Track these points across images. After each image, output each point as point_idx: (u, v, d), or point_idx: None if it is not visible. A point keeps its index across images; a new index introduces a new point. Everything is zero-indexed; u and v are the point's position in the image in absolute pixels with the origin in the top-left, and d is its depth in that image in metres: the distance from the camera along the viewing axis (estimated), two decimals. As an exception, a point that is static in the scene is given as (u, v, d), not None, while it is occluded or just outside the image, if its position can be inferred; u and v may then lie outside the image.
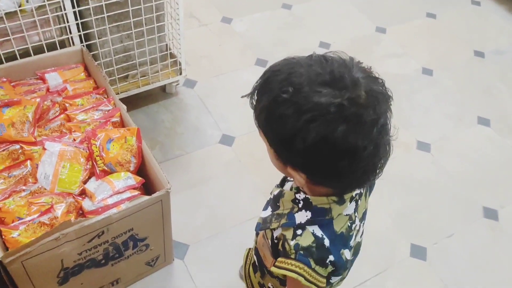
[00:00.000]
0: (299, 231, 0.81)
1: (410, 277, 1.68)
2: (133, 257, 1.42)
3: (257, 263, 1.06)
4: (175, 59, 2.05)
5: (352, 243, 0.86)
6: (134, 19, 1.74)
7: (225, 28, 2.60)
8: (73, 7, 1.60)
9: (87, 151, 1.43)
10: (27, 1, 1.50)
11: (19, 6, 1.50)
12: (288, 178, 0.95)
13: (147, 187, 1.48)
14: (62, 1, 1.56)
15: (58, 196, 1.35)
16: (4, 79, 1.57)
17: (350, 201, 0.82)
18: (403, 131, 2.16)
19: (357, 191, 0.85)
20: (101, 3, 1.62)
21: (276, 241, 0.86)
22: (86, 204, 1.36)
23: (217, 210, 1.79)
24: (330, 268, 0.80)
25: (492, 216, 1.88)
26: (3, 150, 1.40)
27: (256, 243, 1.02)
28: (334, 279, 0.86)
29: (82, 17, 1.65)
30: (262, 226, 0.91)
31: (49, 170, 1.38)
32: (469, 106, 2.33)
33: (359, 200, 0.87)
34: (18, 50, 1.59)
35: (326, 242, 0.80)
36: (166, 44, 2.02)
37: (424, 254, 1.73)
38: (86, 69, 1.70)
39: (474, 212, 1.89)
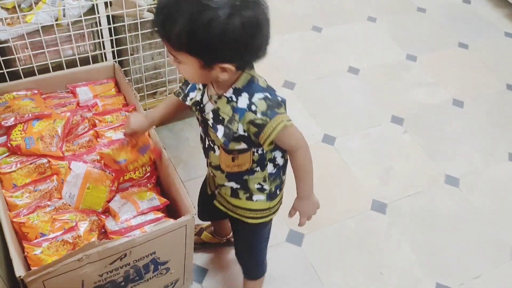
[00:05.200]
0: (253, 107, 1.00)
1: (434, 318, 1.62)
2: (152, 280, 1.39)
3: (236, 185, 1.19)
4: (203, 78, 2.04)
5: None
6: (167, 38, 1.74)
7: (254, 48, 2.59)
8: (109, 23, 1.60)
9: (113, 174, 1.41)
10: (64, 16, 1.51)
11: (56, 20, 1.51)
12: (203, 98, 1.10)
13: (169, 206, 1.45)
14: (98, 17, 1.57)
15: (82, 213, 1.33)
16: (36, 91, 1.58)
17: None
18: (431, 163, 2.11)
19: None
20: (136, 21, 1.63)
21: (246, 133, 1.04)
22: (109, 224, 1.35)
23: (238, 234, 1.75)
24: (284, 105, 1.05)
25: (521, 259, 1.81)
26: (30, 164, 1.39)
27: (224, 170, 1.16)
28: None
29: (116, 34, 1.66)
30: (228, 138, 1.05)
31: (74, 190, 1.37)
32: (500, 141, 2.27)
33: None
34: (51, 63, 1.60)
35: (268, 94, 1.02)
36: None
37: (450, 294, 1.67)
38: (116, 84, 1.71)
39: (502, 253, 1.82)
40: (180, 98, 1.16)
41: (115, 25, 1.61)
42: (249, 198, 1.21)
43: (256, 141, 1.06)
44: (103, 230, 1.37)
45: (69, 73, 1.63)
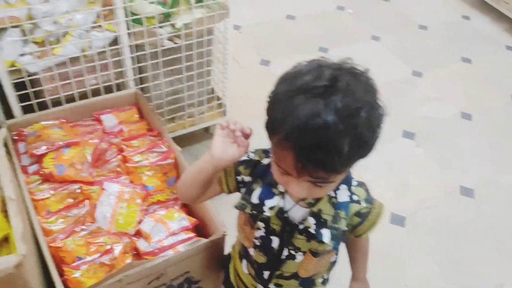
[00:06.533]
0: (354, 197, 0.93)
1: (460, 327, 1.64)
2: (185, 300, 1.42)
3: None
4: (220, 101, 2.10)
5: None
6: (186, 64, 1.80)
7: (263, 70, 2.66)
8: (131, 52, 1.67)
9: (144, 191, 1.46)
10: (90, 47, 1.57)
11: (82, 51, 1.57)
12: (290, 209, 0.94)
13: (197, 226, 1.48)
14: (122, 48, 1.63)
15: (115, 236, 1.37)
16: (63, 120, 1.63)
17: None
18: (445, 176, 2.15)
19: None
20: (156, 49, 1.69)
21: (351, 227, 0.97)
22: (142, 245, 1.38)
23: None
24: None
25: (542, 266, 1.84)
26: (63, 190, 1.44)
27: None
28: None
29: (138, 62, 1.72)
30: (337, 239, 0.93)
31: (107, 210, 1.41)
32: (510, 151, 2.32)
33: None
34: (78, 92, 1.66)
35: (357, 179, 0.96)
36: (212, 87, 2.08)
37: (474, 304, 1.70)
38: (139, 111, 1.76)
39: (523, 261, 1.85)
40: (246, 211, 0.95)
41: (137, 54, 1.67)
42: None
43: (347, 234, 0.98)
44: (134, 252, 1.40)
45: (94, 102, 1.69)
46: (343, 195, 0.92)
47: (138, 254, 1.39)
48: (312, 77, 0.74)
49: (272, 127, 0.77)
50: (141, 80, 1.80)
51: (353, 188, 0.94)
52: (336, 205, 0.91)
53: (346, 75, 0.76)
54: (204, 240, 1.29)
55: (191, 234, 1.40)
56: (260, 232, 0.98)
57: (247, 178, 0.97)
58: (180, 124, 2.01)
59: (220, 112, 2.11)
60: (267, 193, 0.92)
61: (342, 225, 0.92)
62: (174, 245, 1.36)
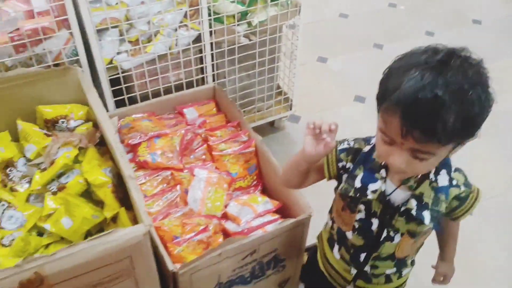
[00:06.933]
0: (454, 182, 0.97)
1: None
2: (270, 277, 1.51)
3: (393, 270, 1.13)
4: (286, 96, 2.20)
5: None
6: (258, 59, 1.91)
7: (321, 67, 2.75)
8: (211, 50, 1.79)
9: (229, 177, 1.57)
10: (176, 45, 1.70)
11: (169, 49, 1.70)
12: (390, 193, 0.99)
13: (280, 210, 1.57)
14: (203, 45, 1.76)
15: (206, 218, 1.49)
16: (150, 113, 1.77)
17: None
18: (510, 166, 2.18)
19: None
20: (233, 46, 1.81)
21: (449, 210, 1.01)
22: (231, 226, 1.49)
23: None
24: None
25: None
26: (157, 176, 1.57)
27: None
28: None
29: (216, 59, 1.84)
30: (436, 221, 0.98)
31: (198, 194, 1.53)
32: None
33: None
34: (162, 87, 1.79)
35: (454, 165, 0.99)
36: (278, 83, 2.18)
37: (546, 289, 1.73)
38: (216, 104, 1.88)
39: None
40: (350, 194, 1.01)
41: (217, 50, 1.79)
42: (400, 276, 1.16)
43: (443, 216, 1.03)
44: (222, 234, 1.51)
45: (178, 96, 1.82)
46: (443, 180, 0.96)
47: (226, 235, 1.50)
48: (427, 56, 0.81)
49: (383, 95, 0.83)
50: (216, 76, 1.92)
51: (452, 173, 0.98)
52: (437, 189, 0.96)
53: (460, 57, 0.81)
54: (292, 220, 1.39)
55: (277, 216, 1.50)
56: (361, 215, 1.05)
57: (349, 164, 1.04)
58: (250, 117, 2.12)
59: (286, 107, 2.21)
60: (370, 178, 0.99)
61: (442, 208, 0.97)
62: (262, 226, 1.46)
